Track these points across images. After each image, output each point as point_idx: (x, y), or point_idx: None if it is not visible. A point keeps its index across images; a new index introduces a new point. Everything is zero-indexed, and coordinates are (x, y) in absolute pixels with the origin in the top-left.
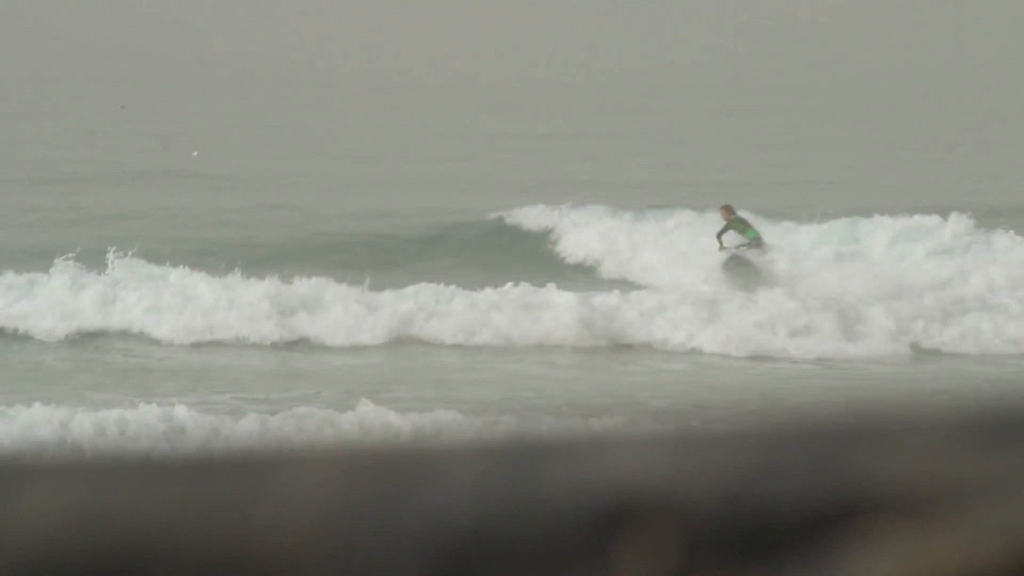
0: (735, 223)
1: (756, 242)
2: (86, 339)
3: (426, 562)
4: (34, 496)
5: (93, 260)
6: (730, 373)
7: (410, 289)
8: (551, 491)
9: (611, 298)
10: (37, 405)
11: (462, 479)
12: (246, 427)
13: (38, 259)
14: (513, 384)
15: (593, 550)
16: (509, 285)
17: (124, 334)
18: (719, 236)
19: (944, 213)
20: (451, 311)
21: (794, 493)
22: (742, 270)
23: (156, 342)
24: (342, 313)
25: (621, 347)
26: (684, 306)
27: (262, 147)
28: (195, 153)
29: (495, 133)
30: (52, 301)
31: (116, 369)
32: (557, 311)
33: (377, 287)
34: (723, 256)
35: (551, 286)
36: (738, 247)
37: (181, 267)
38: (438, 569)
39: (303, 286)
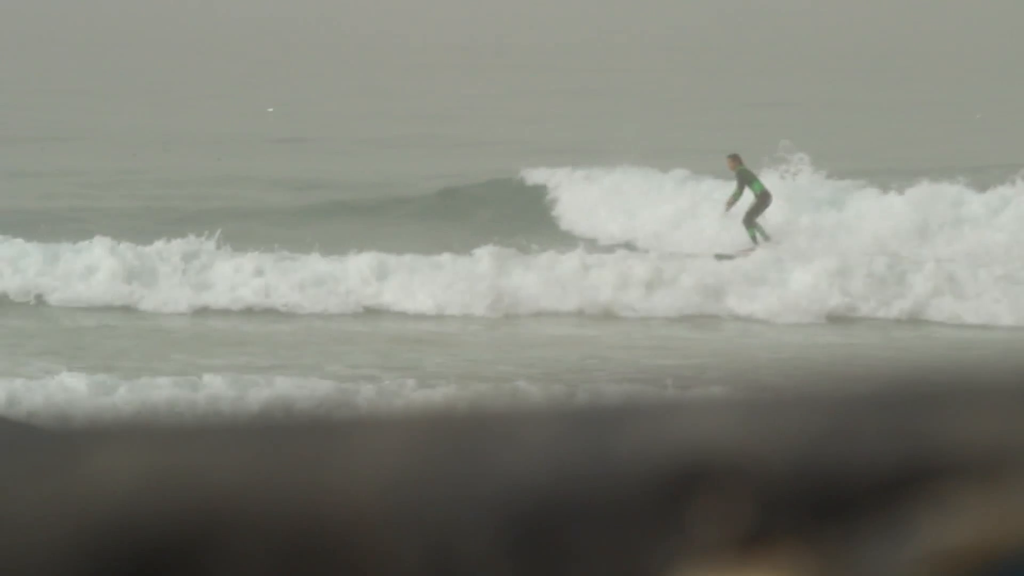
0: (744, 174)
1: (763, 196)
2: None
3: (499, 525)
4: (106, 458)
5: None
6: (796, 336)
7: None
8: (624, 454)
9: (681, 265)
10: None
11: (535, 442)
12: (321, 391)
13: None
14: (585, 350)
15: (665, 513)
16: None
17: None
18: (730, 203)
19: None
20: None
21: (867, 455)
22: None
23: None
24: (412, 279)
25: (690, 316)
26: (754, 272)
27: (326, 108)
28: (270, 109)
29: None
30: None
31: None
32: (623, 276)
33: (440, 249)
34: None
35: (621, 251)
36: (733, 204)
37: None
38: (511, 532)
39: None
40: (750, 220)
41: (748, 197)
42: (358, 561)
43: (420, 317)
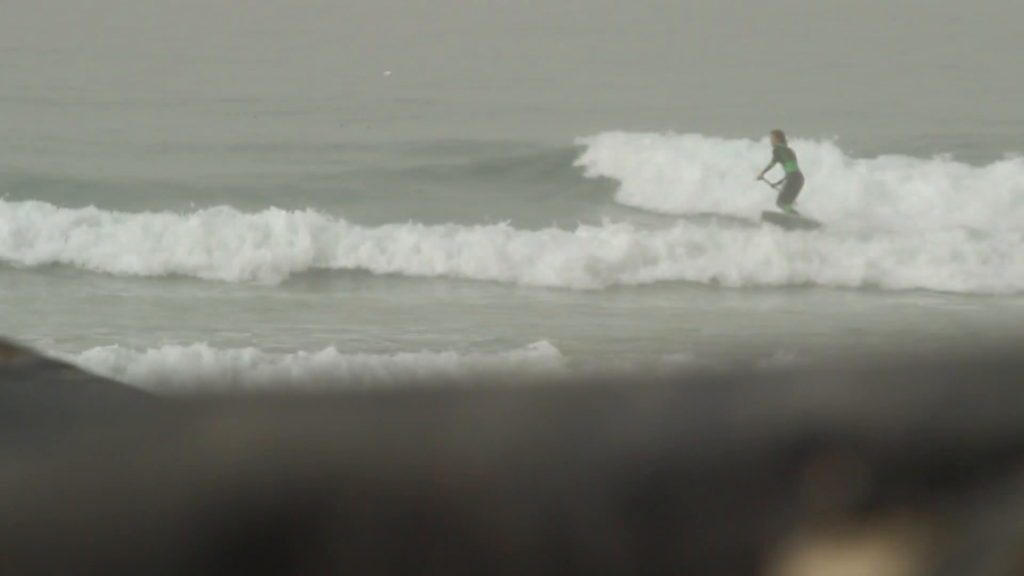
0: (781, 152)
1: (794, 176)
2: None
3: (613, 492)
4: (220, 427)
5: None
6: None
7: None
8: (737, 420)
9: (786, 235)
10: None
11: (649, 409)
12: (442, 361)
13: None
14: (693, 320)
15: (780, 480)
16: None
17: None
18: (762, 175)
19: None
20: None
21: (984, 423)
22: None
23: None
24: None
25: (801, 285)
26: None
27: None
28: (387, 72)
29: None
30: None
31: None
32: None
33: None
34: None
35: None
36: (766, 179)
37: None
38: (625, 499)
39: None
40: (784, 201)
41: (776, 172)
42: (474, 529)
43: (549, 289)
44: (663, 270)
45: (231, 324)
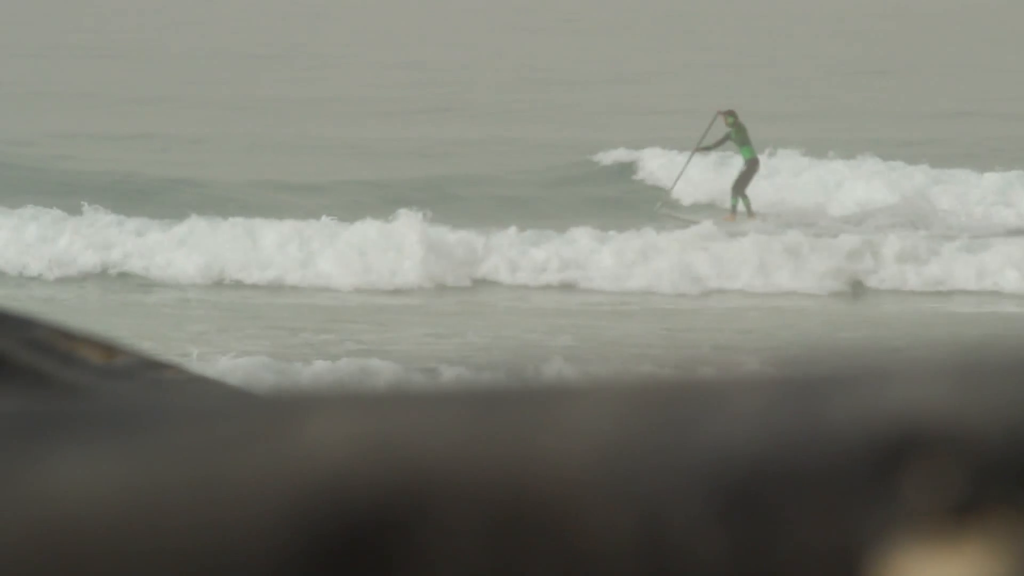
0: (735, 131)
1: (752, 163)
2: None
3: (710, 493)
4: (319, 427)
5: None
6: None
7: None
8: (835, 421)
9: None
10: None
11: (746, 410)
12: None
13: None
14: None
15: (878, 481)
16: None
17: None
18: (705, 146)
19: None
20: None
21: None
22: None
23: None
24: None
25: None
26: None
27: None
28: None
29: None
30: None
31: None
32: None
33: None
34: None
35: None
36: (704, 149)
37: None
38: (722, 500)
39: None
40: (738, 189)
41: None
42: (569, 530)
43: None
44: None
45: (366, 335)
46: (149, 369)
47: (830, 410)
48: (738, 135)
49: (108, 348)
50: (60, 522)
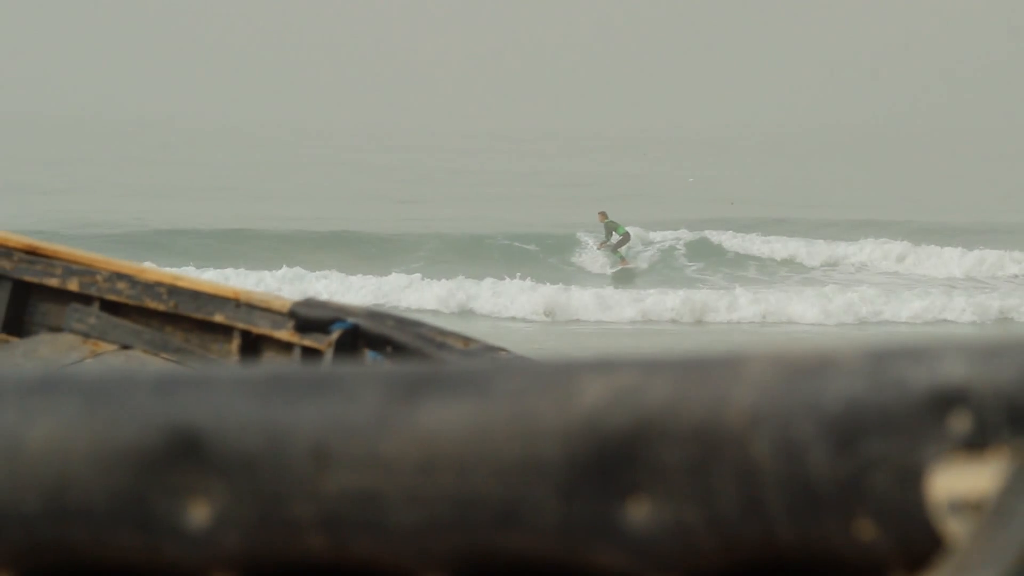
0: (609, 224)
1: (626, 236)
2: None
3: (830, 428)
4: (585, 381)
5: None
6: None
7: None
8: (905, 379)
9: None
10: None
11: (851, 371)
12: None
13: None
14: None
15: (932, 419)
16: None
17: None
18: (602, 244)
19: None
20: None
21: None
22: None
23: None
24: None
25: None
26: None
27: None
28: (690, 179)
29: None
30: None
31: None
32: None
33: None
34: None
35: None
36: (606, 245)
37: None
38: (837, 432)
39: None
40: (614, 249)
41: (614, 238)
42: (737, 454)
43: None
44: None
45: None
46: (489, 351)
47: (902, 372)
48: (612, 224)
49: (466, 339)
50: (435, 444)
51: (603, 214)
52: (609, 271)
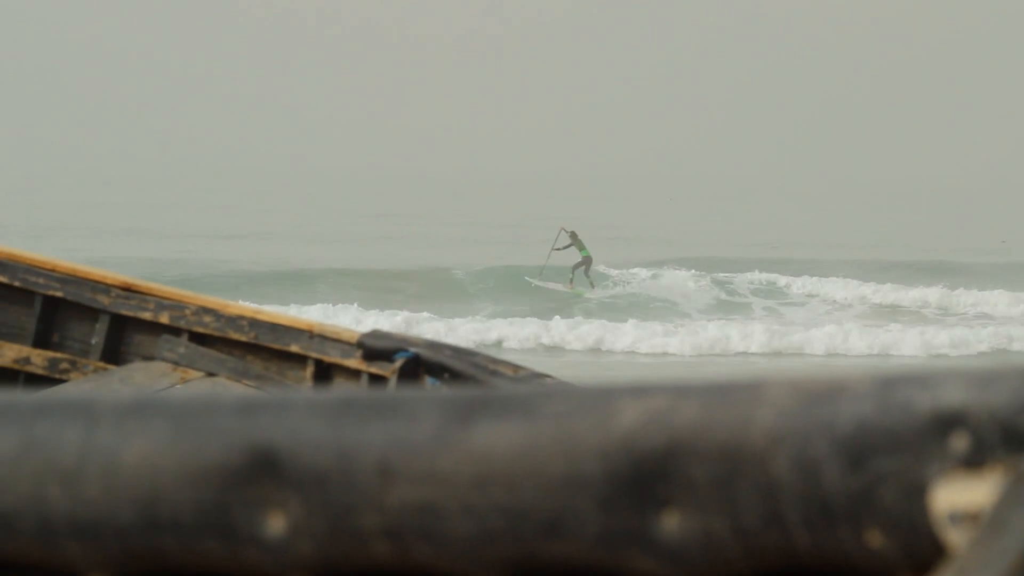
0: (577, 242)
1: (587, 259)
2: None
3: (842, 447)
4: (622, 404)
5: None
6: None
7: None
8: (910, 402)
9: None
10: None
11: (862, 396)
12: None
13: None
14: None
15: (935, 439)
16: None
17: None
18: (555, 248)
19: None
20: None
21: None
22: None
23: None
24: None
25: None
26: None
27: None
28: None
29: None
30: None
31: None
32: None
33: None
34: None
35: None
36: (557, 249)
37: None
38: (849, 450)
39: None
40: (572, 270)
41: (575, 255)
42: (759, 471)
43: None
44: None
45: None
46: (537, 377)
47: (908, 396)
48: (577, 243)
49: (515, 367)
50: (487, 461)
51: (573, 233)
52: (563, 289)
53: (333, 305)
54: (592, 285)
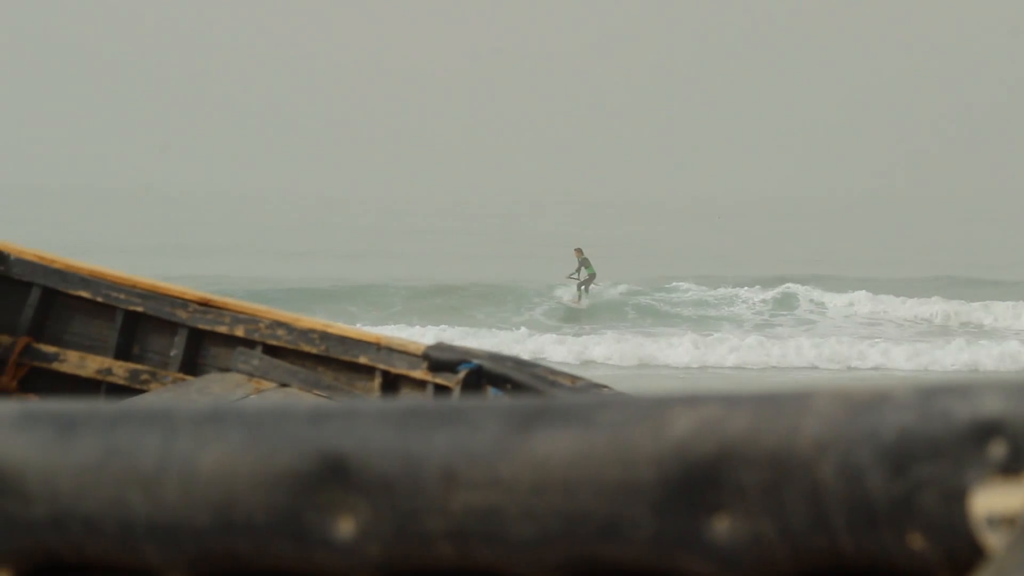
0: (584, 261)
1: (592, 276)
2: None
3: (885, 454)
4: (674, 412)
5: None
6: None
7: None
8: (950, 411)
9: None
10: None
11: (904, 405)
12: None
13: None
14: None
15: (974, 446)
16: None
17: None
18: (570, 275)
19: None
20: None
21: None
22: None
23: None
24: None
25: None
26: None
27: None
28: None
29: None
30: None
31: None
32: None
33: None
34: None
35: None
36: (572, 277)
37: None
38: (892, 457)
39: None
40: (581, 286)
41: (583, 273)
42: (807, 478)
43: None
44: None
45: None
46: (594, 388)
47: (948, 406)
48: (586, 263)
49: (574, 377)
50: (547, 468)
51: (579, 250)
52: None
53: (401, 324)
54: (583, 297)
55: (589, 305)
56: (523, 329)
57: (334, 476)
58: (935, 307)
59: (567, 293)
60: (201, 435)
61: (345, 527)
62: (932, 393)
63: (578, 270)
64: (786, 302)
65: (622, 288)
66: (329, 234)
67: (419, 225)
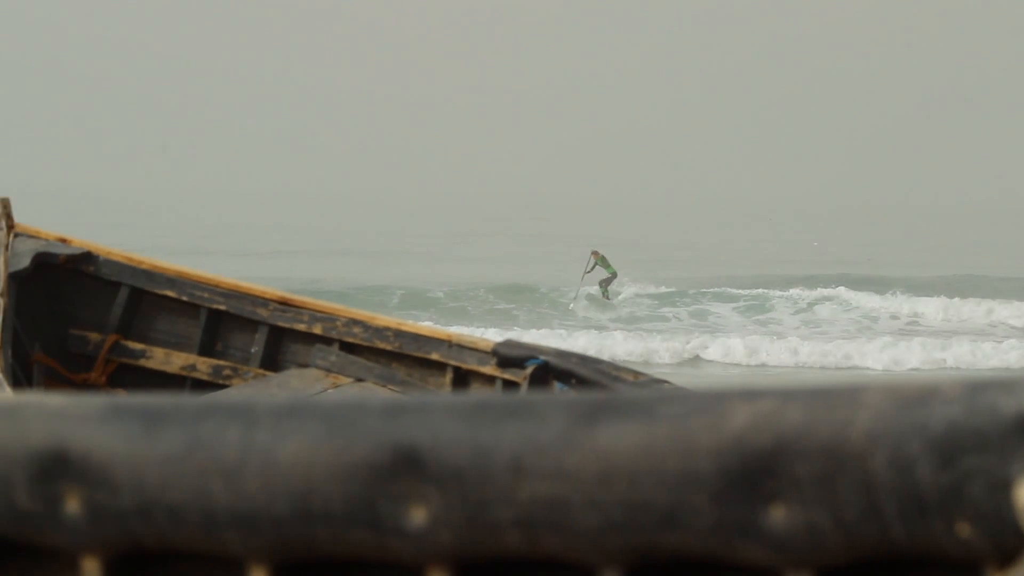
0: (601, 261)
1: (613, 275)
2: None
3: (933, 445)
4: (733, 406)
5: None
6: None
7: None
8: (997, 404)
9: None
10: None
11: (953, 399)
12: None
13: None
14: None
15: (1020, 438)
16: None
17: None
18: (585, 273)
19: None
20: None
21: None
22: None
23: None
24: None
25: None
26: None
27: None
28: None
29: None
30: None
31: None
32: None
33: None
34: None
35: None
36: (587, 274)
37: None
38: (939, 449)
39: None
40: (603, 286)
41: (602, 273)
42: (858, 469)
43: None
44: None
45: None
46: (655, 383)
47: (994, 400)
48: (604, 263)
49: (636, 373)
50: (610, 459)
51: (596, 252)
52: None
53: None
54: (607, 298)
55: (616, 302)
56: (560, 330)
57: (407, 467)
58: (981, 307)
59: (580, 291)
60: (281, 428)
61: (417, 516)
62: (979, 388)
63: (593, 269)
64: (827, 303)
65: (667, 288)
66: (357, 234)
67: (459, 229)
